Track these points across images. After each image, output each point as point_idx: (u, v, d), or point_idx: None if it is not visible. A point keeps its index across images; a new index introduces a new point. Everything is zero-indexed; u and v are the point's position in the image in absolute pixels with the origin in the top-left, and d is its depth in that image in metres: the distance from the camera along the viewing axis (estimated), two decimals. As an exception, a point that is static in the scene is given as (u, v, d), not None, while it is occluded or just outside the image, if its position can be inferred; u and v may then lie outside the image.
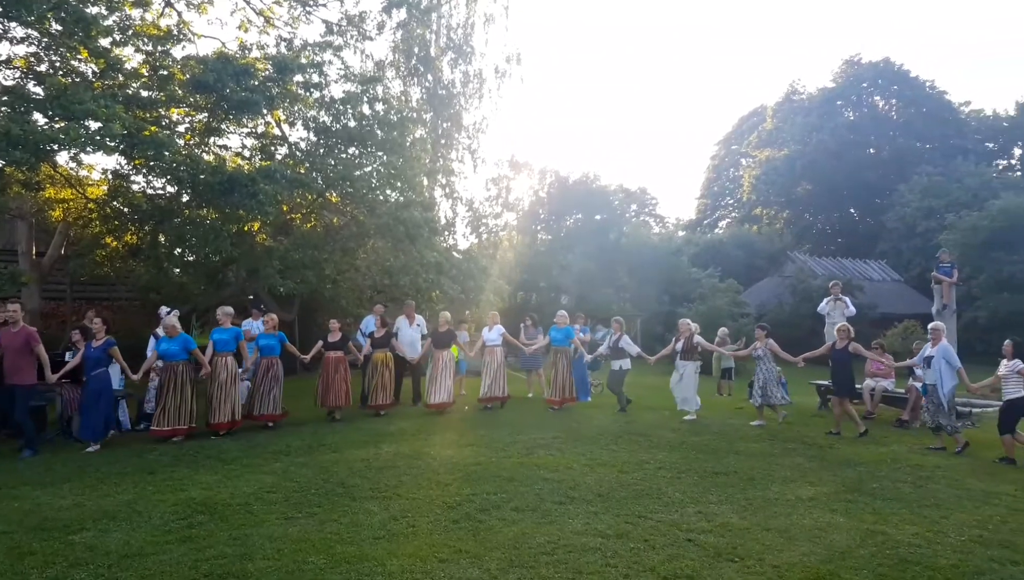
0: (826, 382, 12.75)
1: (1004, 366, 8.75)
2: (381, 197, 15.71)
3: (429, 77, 21.10)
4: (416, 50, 20.95)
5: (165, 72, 13.73)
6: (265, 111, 14.30)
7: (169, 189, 14.30)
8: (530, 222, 29.78)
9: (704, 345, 11.72)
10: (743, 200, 49.24)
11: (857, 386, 11.23)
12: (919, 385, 10.75)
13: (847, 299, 12.92)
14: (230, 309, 10.29)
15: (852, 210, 45.11)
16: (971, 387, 9.28)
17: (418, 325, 12.65)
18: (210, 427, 9.57)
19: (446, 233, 18.45)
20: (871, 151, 42.46)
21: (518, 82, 30.72)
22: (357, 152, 15.94)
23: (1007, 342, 9.01)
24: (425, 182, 17.39)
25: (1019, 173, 41.52)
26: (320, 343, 11.29)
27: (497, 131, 57.12)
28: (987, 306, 27.02)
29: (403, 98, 20.12)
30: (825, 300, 13.03)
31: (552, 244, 28.94)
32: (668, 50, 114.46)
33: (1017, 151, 43.89)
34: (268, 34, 17.28)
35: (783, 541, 5.34)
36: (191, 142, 14.47)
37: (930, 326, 9.82)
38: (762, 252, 38.29)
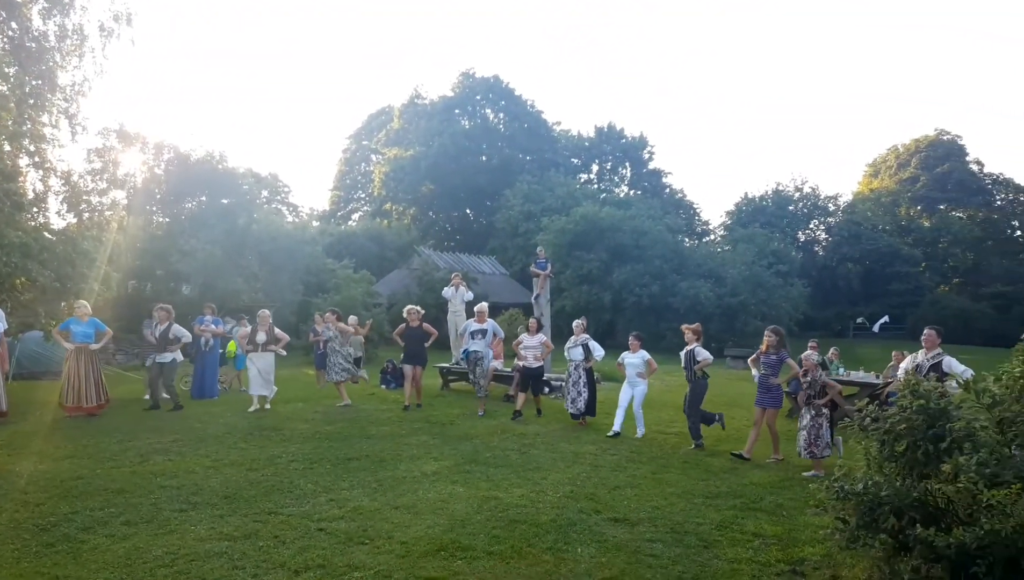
0: (447, 365, 13.95)
1: (526, 337, 11.28)
2: (-56, 162, 12.53)
3: (14, 25, 17.39)
4: (-3, -7, 17.11)
5: None
6: None
7: None
8: (145, 202, 26.49)
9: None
10: (374, 195, 50.68)
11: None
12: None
13: (465, 287, 14.17)
14: None
15: (468, 210, 49.61)
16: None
17: (-1, 318, 10.41)
18: None
19: (35, 209, 15.36)
20: (483, 158, 47.01)
21: (128, 45, 26.81)
22: (-89, 106, 12.47)
23: (531, 320, 11.76)
24: (7, 148, 14.34)
25: (596, 185, 50.07)
26: None
27: (103, 97, 49.64)
28: (572, 296, 32.09)
29: (-22, 47, 16.28)
30: (447, 288, 14.12)
31: (171, 228, 26.16)
32: (296, 38, 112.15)
33: (595, 167, 53.10)
34: None
35: (410, 517, 5.68)
36: None
37: (476, 307, 11.69)
38: (392, 245, 39.91)
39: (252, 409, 10.95)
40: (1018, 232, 47.13)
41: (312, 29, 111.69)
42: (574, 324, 10.83)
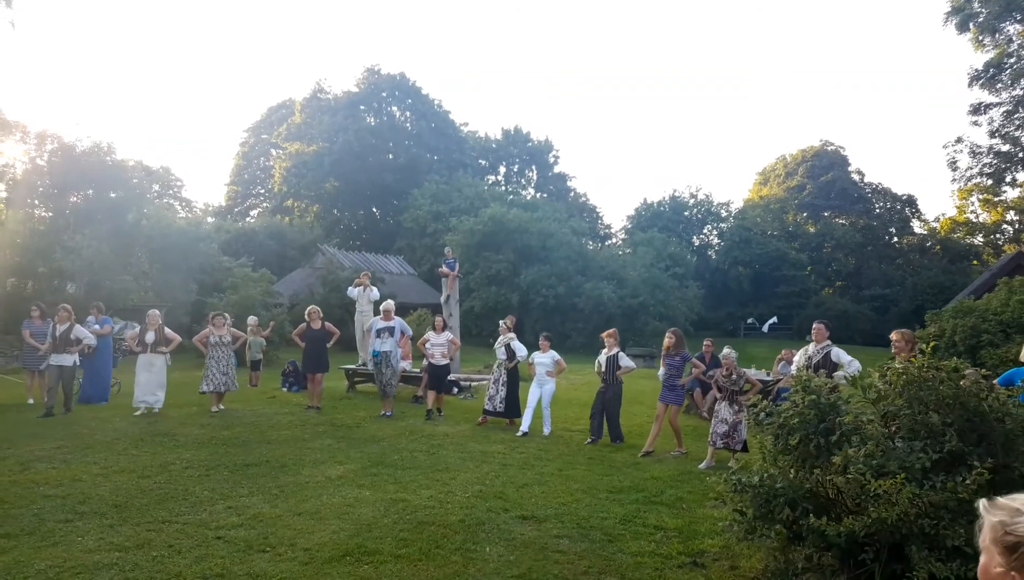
0: (353, 366, 13.65)
1: (432, 335, 11.24)
2: None
3: None
4: None
5: None
6: None
7: None
8: (26, 195, 24.73)
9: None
10: (275, 191, 49.00)
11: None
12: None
13: (373, 287, 13.86)
14: None
15: (374, 209, 48.75)
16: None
17: None
18: None
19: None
20: (390, 156, 46.29)
21: (8, 27, 24.96)
22: None
23: (437, 318, 11.70)
24: None
25: (503, 187, 50.37)
26: None
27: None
28: (480, 297, 32.14)
29: None
30: (353, 288, 13.74)
31: (55, 222, 24.53)
32: (191, 24, 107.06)
33: (503, 169, 53.43)
34: None
35: (313, 523, 5.51)
36: None
37: (382, 305, 11.46)
38: (294, 243, 38.71)
39: (139, 413, 10.34)
40: (895, 238, 50.69)
41: (208, 15, 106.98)
42: (500, 324, 10.91)
